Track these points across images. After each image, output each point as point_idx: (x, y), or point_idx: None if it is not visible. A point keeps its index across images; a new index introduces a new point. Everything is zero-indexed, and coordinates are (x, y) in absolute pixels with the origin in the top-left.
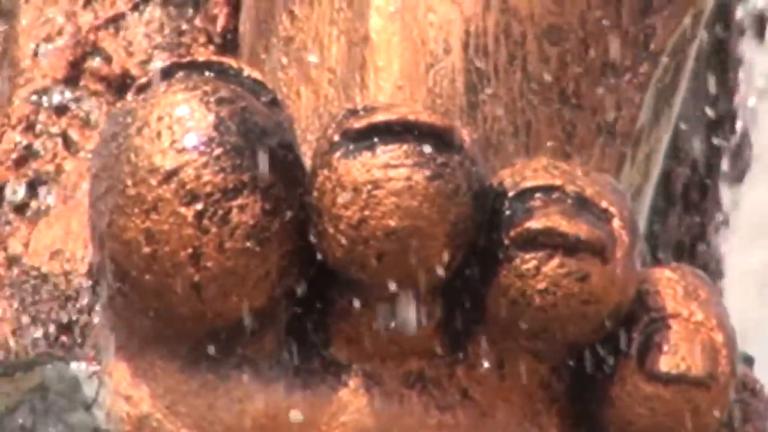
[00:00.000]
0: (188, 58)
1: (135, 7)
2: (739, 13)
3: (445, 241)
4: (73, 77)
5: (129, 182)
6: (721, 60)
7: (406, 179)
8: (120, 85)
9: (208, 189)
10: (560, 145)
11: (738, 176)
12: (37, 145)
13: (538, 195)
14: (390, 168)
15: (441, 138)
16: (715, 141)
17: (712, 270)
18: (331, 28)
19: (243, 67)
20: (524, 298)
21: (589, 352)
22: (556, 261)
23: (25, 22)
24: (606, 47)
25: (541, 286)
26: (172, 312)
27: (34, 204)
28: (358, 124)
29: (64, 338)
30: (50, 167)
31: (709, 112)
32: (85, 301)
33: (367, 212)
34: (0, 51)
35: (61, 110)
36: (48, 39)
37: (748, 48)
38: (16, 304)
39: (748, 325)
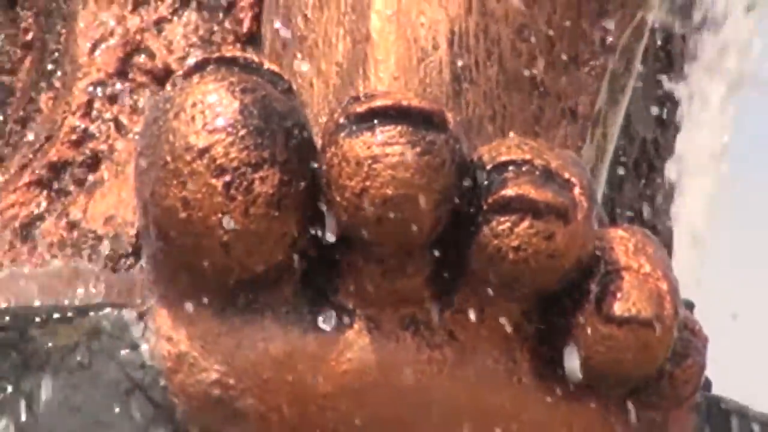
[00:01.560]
0: (218, 54)
1: (175, 12)
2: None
3: (433, 207)
4: (122, 71)
5: (168, 158)
6: (667, 55)
7: (400, 155)
8: (162, 78)
9: (234, 164)
10: (530, 126)
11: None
12: (93, 128)
13: (511, 168)
14: (387, 145)
15: (430, 120)
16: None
17: (659, 231)
18: (338, 29)
19: (264, 61)
20: (500, 253)
21: (555, 299)
22: (526, 223)
23: (82, 24)
24: (569, 44)
25: (514, 243)
26: (204, 267)
27: (90, 178)
28: (360, 108)
29: (115, 289)
30: (104, 147)
31: (659, 93)
32: (132, 258)
33: (367, 183)
34: (62, 49)
35: (113, 99)
36: (102, 39)
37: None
38: (77, 261)
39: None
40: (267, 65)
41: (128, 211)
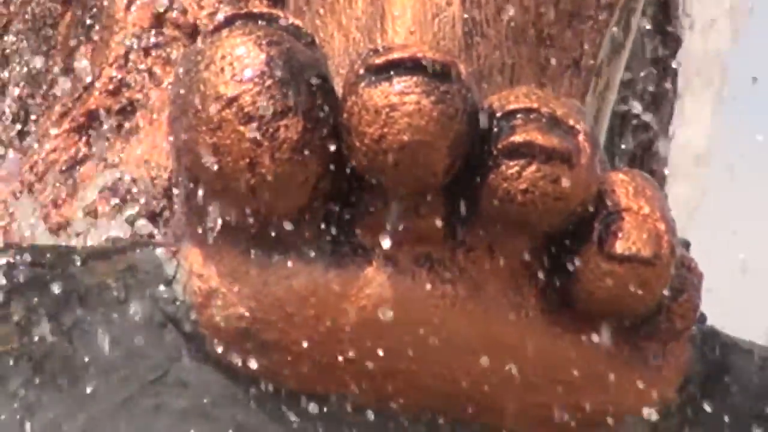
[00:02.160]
0: (246, 10)
1: None
2: None
3: (446, 152)
4: (156, 26)
5: (199, 107)
6: (664, 10)
7: (416, 103)
8: (193, 32)
9: (261, 112)
10: (537, 77)
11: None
12: (129, 78)
13: (519, 115)
14: (403, 95)
15: (443, 71)
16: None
17: (658, 174)
18: None
19: (288, 16)
20: (509, 196)
21: (560, 238)
22: (534, 167)
23: None
24: (571, 1)
25: (522, 186)
26: (233, 208)
27: (127, 125)
28: (378, 60)
29: (150, 229)
30: (139, 96)
31: (659, 51)
32: (165, 200)
33: (385, 129)
34: (99, 5)
35: (147, 51)
36: None
37: None
38: (113, 203)
39: None
40: (291, 20)
41: (162, 156)
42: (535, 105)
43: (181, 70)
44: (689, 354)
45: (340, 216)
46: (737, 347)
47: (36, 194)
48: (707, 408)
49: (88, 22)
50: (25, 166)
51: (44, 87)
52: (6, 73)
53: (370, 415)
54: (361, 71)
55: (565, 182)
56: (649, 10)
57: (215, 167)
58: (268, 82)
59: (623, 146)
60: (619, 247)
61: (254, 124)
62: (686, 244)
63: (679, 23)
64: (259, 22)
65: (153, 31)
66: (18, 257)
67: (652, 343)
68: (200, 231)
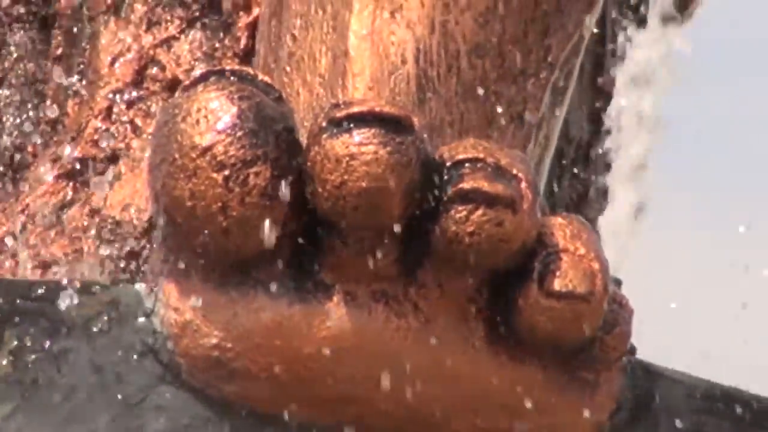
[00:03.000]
0: (219, 67)
1: (182, 32)
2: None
3: (401, 198)
4: (138, 81)
5: (176, 155)
6: (599, 67)
7: (374, 153)
8: (171, 87)
9: (232, 160)
10: (484, 130)
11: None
12: (112, 129)
13: (467, 165)
14: (362, 145)
15: (399, 124)
16: (594, 128)
17: (591, 219)
18: (321, 46)
19: (258, 74)
20: (458, 237)
21: (504, 276)
22: (480, 211)
23: (104, 41)
24: (517, 59)
25: (470, 229)
26: (206, 248)
27: (110, 171)
28: (339, 114)
29: (131, 267)
30: (122, 145)
31: (593, 106)
32: (145, 240)
33: (346, 176)
34: (86, 63)
35: (129, 105)
36: (120, 54)
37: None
38: (98, 243)
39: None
40: (260, 77)
41: (142, 200)
42: (482, 155)
43: (160, 121)
44: (621, 382)
45: (304, 255)
46: (665, 376)
47: (27, 234)
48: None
49: (75, 78)
50: (18, 207)
51: (35, 136)
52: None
53: None
54: (324, 123)
55: (509, 225)
56: (587, 66)
57: (191, 211)
58: (239, 133)
59: (561, 192)
60: (557, 284)
61: (226, 172)
62: (618, 282)
63: (611, 79)
64: (231, 78)
65: (134, 87)
66: (12, 290)
67: (587, 372)
68: (176, 268)
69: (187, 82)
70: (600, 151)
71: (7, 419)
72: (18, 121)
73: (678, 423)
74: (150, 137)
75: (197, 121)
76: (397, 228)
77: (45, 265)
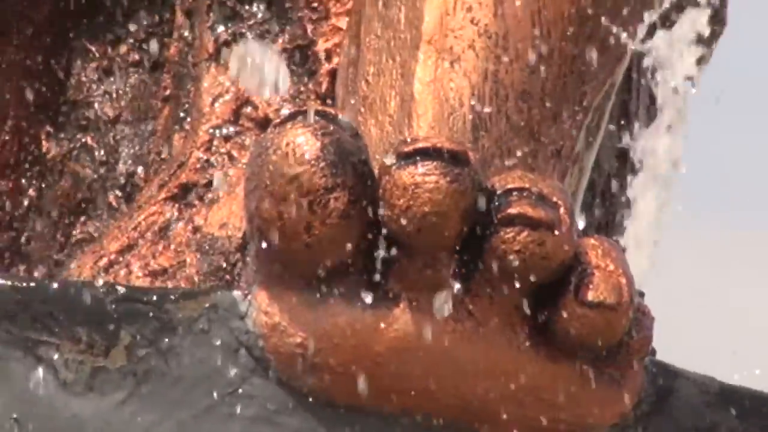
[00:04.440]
0: (304, 108)
1: None
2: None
3: (458, 220)
4: (234, 119)
5: (268, 182)
6: (625, 112)
7: (435, 182)
8: (263, 124)
9: (316, 187)
10: (528, 164)
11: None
12: (212, 159)
13: (515, 193)
14: (426, 175)
15: (456, 157)
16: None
17: (617, 240)
18: (390, 91)
19: (337, 113)
20: (506, 255)
21: (545, 288)
22: (525, 233)
23: (206, 84)
24: (557, 104)
25: (516, 248)
26: (293, 261)
27: (210, 196)
28: (407, 148)
29: (227, 276)
30: (220, 173)
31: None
32: (239, 254)
33: (411, 202)
34: (190, 102)
35: (227, 138)
36: (220, 95)
37: None
38: (199, 256)
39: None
40: (340, 116)
41: (237, 219)
42: (527, 185)
43: (254, 153)
44: (643, 379)
45: (375, 267)
46: (681, 375)
47: (139, 247)
48: (656, 422)
49: (181, 115)
50: (131, 225)
51: (146, 165)
52: (116, 155)
53: (397, 422)
54: (393, 156)
55: (549, 245)
56: (615, 111)
57: (279, 229)
58: (322, 164)
59: (592, 217)
60: (590, 296)
61: (310, 197)
62: (641, 294)
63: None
64: (315, 117)
65: (231, 123)
66: (127, 295)
67: (614, 370)
68: (266, 278)
69: (277, 120)
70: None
71: (122, 404)
72: (132, 152)
73: (692, 415)
74: (245, 167)
75: (286, 154)
76: (454, 246)
77: (154, 274)
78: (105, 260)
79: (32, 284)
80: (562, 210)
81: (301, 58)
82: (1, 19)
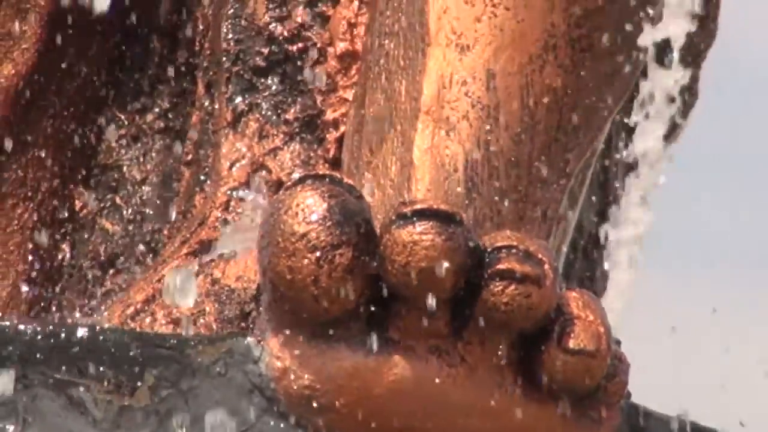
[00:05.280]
0: (313, 172)
1: (285, 144)
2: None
3: (452, 275)
4: (250, 181)
5: (280, 239)
6: (605, 177)
7: (431, 240)
8: (276, 187)
9: (323, 244)
10: (516, 224)
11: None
12: (230, 218)
13: (503, 250)
14: (423, 234)
15: (451, 218)
16: (601, 226)
17: (597, 293)
18: (392, 156)
19: (343, 177)
20: (495, 306)
21: (530, 337)
22: (513, 286)
23: (224, 150)
24: (542, 170)
25: (505, 300)
26: (301, 311)
27: (227, 251)
28: (405, 209)
29: (242, 324)
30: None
31: (600, 205)
32: (253, 304)
33: (410, 258)
34: (209, 166)
35: (242, 200)
36: (237, 160)
37: None
38: (217, 305)
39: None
40: (345, 180)
41: (252, 273)
42: (515, 243)
43: (267, 212)
44: (618, 419)
45: (377, 317)
46: (654, 416)
47: (162, 298)
48: None
49: (202, 177)
50: (156, 277)
51: (170, 223)
52: (142, 213)
53: None
54: (393, 217)
55: (535, 298)
56: (595, 174)
57: (289, 282)
58: (329, 223)
59: (574, 272)
60: (572, 343)
61: (318, 253)
62: (618, 342)
63: (614, 193)
64: (323, 180)
65: (247, 186)
66: (151, 341)
67: (594, 411)
68: (278, 325)
69: (288, 183)
70: (604, 240)
71: None
72: (157, 211)
73: None
74: (259, 225)
75: (296, 213)
76: (448, 298)
77: (176, 322)
78: (132, 309)
79: (65, 330)
80: (546, 266)
81: (311, 126)
82: (38, 91)
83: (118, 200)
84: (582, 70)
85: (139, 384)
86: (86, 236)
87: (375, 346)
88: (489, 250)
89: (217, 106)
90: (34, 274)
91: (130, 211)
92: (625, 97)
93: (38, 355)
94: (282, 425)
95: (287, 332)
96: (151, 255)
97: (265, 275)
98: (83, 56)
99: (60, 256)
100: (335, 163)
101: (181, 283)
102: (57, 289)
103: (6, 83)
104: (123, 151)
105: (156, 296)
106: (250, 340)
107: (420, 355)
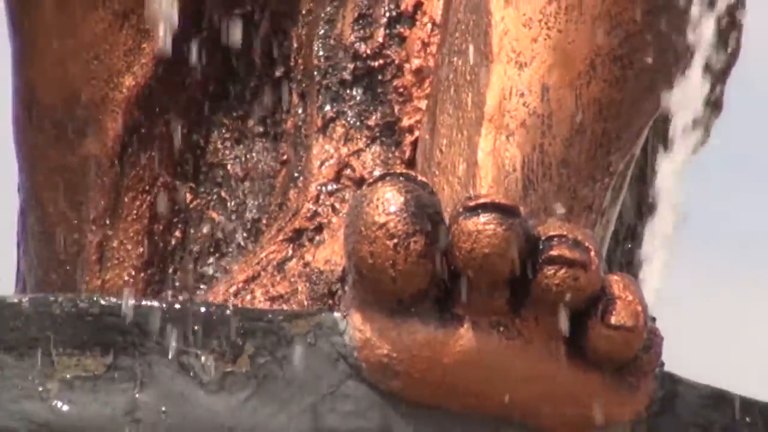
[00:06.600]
0: (392, 171)
1: (367, 146)
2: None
3: (511, 260)
4: (337, 178)
5: (362, 228)
6: (643, 175)
7: (494, 230)
8: (359, 183)
9: (400, 232)
10: (566, 216)
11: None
12: (319, 210)
13: (555, 239)
14: (486, 224)
15: (510, 211)
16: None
17: (635, 275)
18: (459, 158)
19: (417, 175)
20: (548, 287)
21: (578, 313)
22: (563, 270)
23: (315, 151)
24: (589, 170)
25: (556, 282)
26: (381, 290)
27: (317, 238)
28: (471, 203)
29: (330, 301)
30: (325, 221)
31: (638, 200)
32: (339, 284)
33: (474, 245)
34: (302, 165)
35: (330, 194)
36: (325, 160)
37: None
38: (308, 285)
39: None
40: (419, 178)
41: (338, 257)
42: (565, 233)
43: (352, 205)
44: (654, 385)
45: (446, 296)
46: (685, 383)
47: (261, 278)
48: (664, 419)
49: (295, 175)
50: (255, 260)
51: (267, 214)
52: (244, 205)
53: (460, 417)
54: (461, 209)
55: (582, 280)
56: (635, 172)
57: (371, 266)
58: (405, 214)
59: (615, 259)
60: (613, 320)
61: (395, 240)
62: (653, 319)
63: (652, 190)
64: (400, 178)
65: (335, 182)
66: (251, 315)
67: (631, 378)
68: (360, 303)
69: (370, 180)
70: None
71: (246, 401)
72: (256, 203)
73: (692, 414)
74: (345, 216)
75: (377, 206)
76: (508, 279)
77: (273, 299)
78: (234, 288)
79: (177, 306)
80: (592, 252)
81: (390, 131)
82: (155, 100)
83: (222, 194)
84: (624, 85)
85: (240, 353)
86: (195, 225)
87: (444, 321)
88: (543, 238)
89: (309, 114)
90: (150, 258)
91: (233, 203)
92: (660, 108)
93: (154, 327)
94: (363, 388)
95: (368, 308)
96: (251, 241)
97: (349, 259)
98: (195, 71)
99: (173, 242)
100: (410, 163)
101: None
102: (170, 271)
103: (127, 93)
104: (227, 152)
105: (256, 277)
106: (336, 315)
107: (483, 329)
